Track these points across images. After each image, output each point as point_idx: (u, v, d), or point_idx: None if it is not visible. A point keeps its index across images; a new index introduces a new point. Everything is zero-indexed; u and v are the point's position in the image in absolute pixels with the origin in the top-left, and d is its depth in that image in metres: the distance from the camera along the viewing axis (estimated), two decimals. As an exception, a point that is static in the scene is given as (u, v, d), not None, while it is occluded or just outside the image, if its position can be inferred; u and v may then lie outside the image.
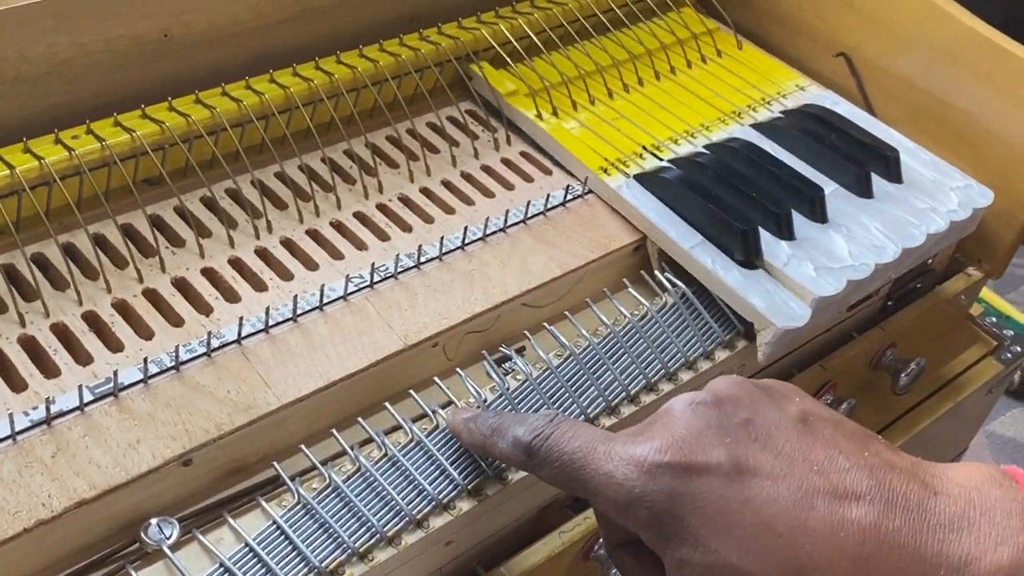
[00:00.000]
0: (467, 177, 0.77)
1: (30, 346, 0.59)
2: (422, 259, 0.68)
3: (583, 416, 0.63)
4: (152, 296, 0.63)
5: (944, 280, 0.88)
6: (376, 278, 0.66)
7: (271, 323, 0.62)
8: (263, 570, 0.53)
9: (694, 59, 0.91)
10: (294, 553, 0.53)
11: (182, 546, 0.54)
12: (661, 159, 0.79)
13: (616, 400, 0.64)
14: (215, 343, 0.60)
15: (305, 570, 0.53)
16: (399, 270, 0.67)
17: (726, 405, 0.48)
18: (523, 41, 0.84)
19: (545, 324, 0.67)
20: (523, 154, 0.80)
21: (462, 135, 0.80)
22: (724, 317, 0.70)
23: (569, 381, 0.64)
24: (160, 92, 0.70)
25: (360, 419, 0.60)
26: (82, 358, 0.59)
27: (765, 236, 0.72)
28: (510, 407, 0.61)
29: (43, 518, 0.51)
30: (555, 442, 0.49)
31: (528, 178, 0.78)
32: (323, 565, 0.53)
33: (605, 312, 0.68)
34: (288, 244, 0.68)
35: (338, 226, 0.70)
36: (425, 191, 0.74)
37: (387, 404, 0.60)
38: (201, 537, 0.54)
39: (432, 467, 0.58)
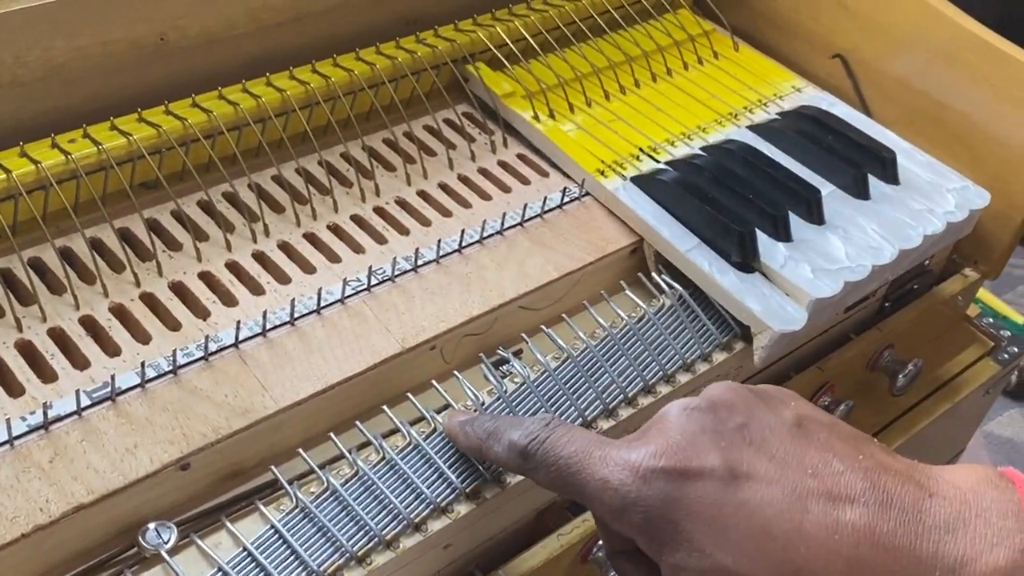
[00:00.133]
0: (464, 180, 0.77)
1: (27, 351, 0.59)
2: (419, 262, 0.68)
3: (581, 419, 0.63)
4: (149, 300, 0.63)
5: (941, 281, 0.88)
6: (373, 281, 0.66)
7: (268, 327, 0.62)
8: (261, 575, 0.52)
9: (690, 61, 0.91)
10: (292, 557, 0.53)
11: (180, 551, 0.54)
12: (658, 161, 0.79)
13: (614, 403, 0.64)
14: (212, 347, 0.60)
15: (303, 574, 0.53)
16: (396, 273, 0.67)
17: (721, 410, 0.48)
18: (520, 44, 0.84)
19: (542, 327, 0.67)
20: (520, 157, 0.80)
21: (459, 138, 0.80)
22: (721, 319, 0.70)
23: (567, 384, 0.64)
24: (157, 96, 0.70)
25: (358, 422, 0.60)
26: (79, 363, 0.59)
27: (762, 238, 0.72)
28: (508, 410, 0.61)
29: (41, 523, 0.51)
30: (551, 446, 0.49)
31: (525, 181, 0.78)
32: (321, 569, 0.53)
33: (602, 314, 0.68)
34: (285, 247, 0.68)
35: (335, 229, 0.70)
36: (422, 194, 0.74)
37: (385, 407, 0.60)
38: (199, 542, 0.54)
39: (430, 470, 0.58)
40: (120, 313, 0.62)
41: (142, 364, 0.58)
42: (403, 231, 0.71)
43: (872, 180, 0.80)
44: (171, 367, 0.58)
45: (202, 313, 0.63)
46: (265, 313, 0.62)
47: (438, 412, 0.61)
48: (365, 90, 0.76)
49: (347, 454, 0.58)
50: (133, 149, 0.67)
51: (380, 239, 0.70)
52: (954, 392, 0.88)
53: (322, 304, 0.64)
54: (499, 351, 0.66)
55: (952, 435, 0.99)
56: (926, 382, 0.86)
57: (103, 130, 0.67)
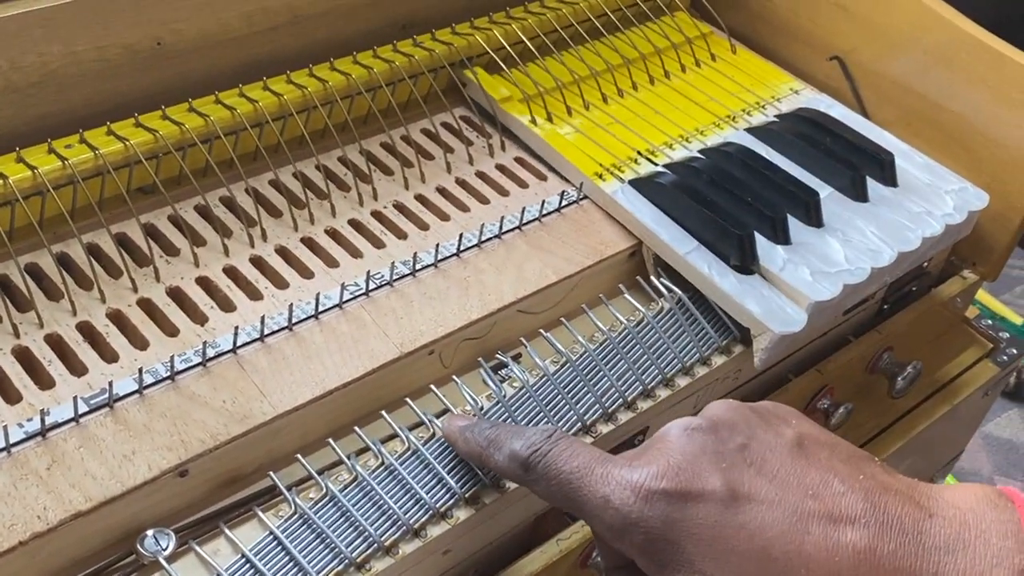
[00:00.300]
0: (462, 183, 0.76)
1: (24, 357, 0.59)
2: (417, 266, 0.68)
3: (580, 423, 0.63)
4: (147, 306, 0.63)
5: (940, 283, 0.88)
6: (371, 286, 0.66)
7: (266, 332, 0.62)
8: (260, 581, 0.52)
9: (688, 63, 0.91)
10: (291, 564, 0.53)
11: (178, 557, 0.54)
12: (656, 164, 0.79)
13: (613, 407, 0.64)
14: (210, 353, 0.60)
15: (302, 581, 0.53)
16: (394, 278, 0.67)
17: (721, 430, 0.48)
18: (517, 46, 0.84)
19: (541, 331, 0.67)
20: (518, 160, 0.80)
21: (457, 141, 0.80)
22: (720, 322, 0.70)
23: (566, 388, 0.64)
24: (153, 100, 0.70)
25: (356, 428, 0.59)
26: (77, 369, 0.58)
27: (761, 241, 0.72)
28: (507, 414, 0.61)
29: (38, 531, 0.51)
30: (553, 460, 0.49)
31: (523, 184, 0.77)
32: (320, 576, 0.53)
33: (601, 318, 0.68)
34: (283, 252, 0.68)
35: (333, 234, 0.70)
36: (420, 198, 0.74)
37: (383, 413, 0.60)
38: (197, 548, 0.54)
39: (429, 476, 0.58)
40: (118, 319, 0.62)
41: (140, 370, 0.57)
42: (401, 235, 0.71)
43: (870, 182, 0.80)
44: (169, 373, 0.58)
45: (200, 319, 0.62)
46: (263, 319, 0.62)
47: (437, 417, 0.60)
48: (362, 94, 0.76)
49: (346, 460, 0.57)
50: (130, 154, 0.67)
51: (378, 243, 0.70)
52: (953, 394, 0.88)
53: (320, 309, 0.64)
54: (498, 355, 0.66)
55: (951, 437, 0.98)
56: (925, 384, 0.86)
57: (100, 135, 0.67)
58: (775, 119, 0.86)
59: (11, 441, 0.53)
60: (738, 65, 0.92)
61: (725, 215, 0.72)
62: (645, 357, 0.67)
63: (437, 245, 0.69)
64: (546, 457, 0.50)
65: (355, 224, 0.71)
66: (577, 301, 0.71)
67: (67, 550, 0.52)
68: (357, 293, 0.65)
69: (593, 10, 0.89)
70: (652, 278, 0.72)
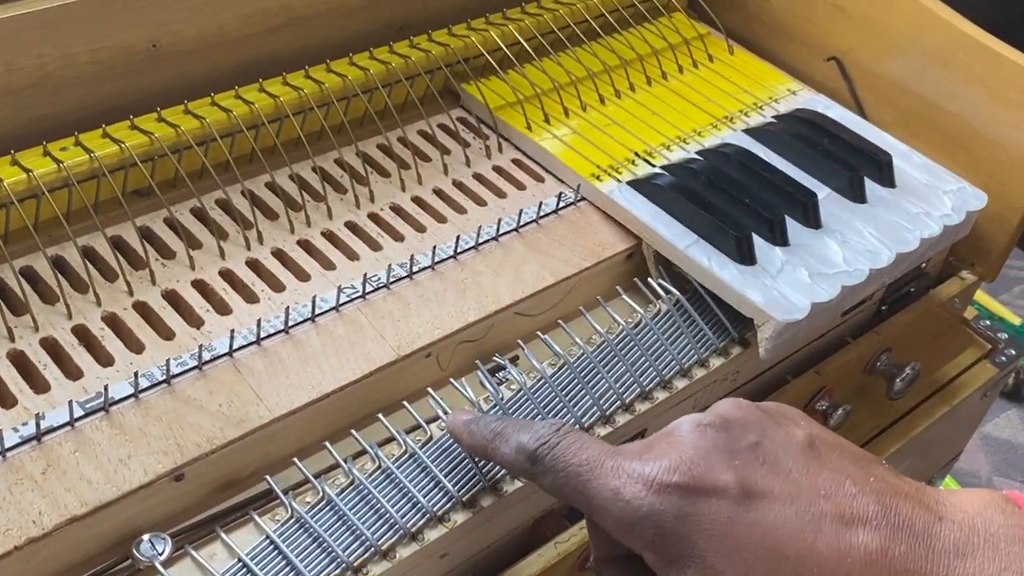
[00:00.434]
0: (459, 185, 0.76)
1: (19, 361, 0.58)
2: (414, 269, 0.68)
3: (578, 426, 0.62)
4: (142, 309, 0.62)
5: (938, 284, 0.88)
6: (368, 288, 0.66)
7: (263, 335, 0.61)
8: (257, 586, 0.52)
9: (685, 64, 0.91)
10: (288, 568, 0.53)
11: (175, 562, 0.53)
12: (654, 165, 0.78)
13: (611, 409, 0.64)
14: (206, 356, 0.59)
15: (299, 585, 0.53)
16: (391, 280, 0.67)
17: (734, 428, 0.47)
18: (514, 48, 0.84)
19: (539, 333, 0.67)
20: (515, 161, 0.79)
21: (453, 143, 0.80)
22: (719, 324, 0.70)
23: (563, 390, 0.63)
24: (149, 102, 0.70)
25: (353, 431, 0.59)
26: (72, 373, 0.58)
27: (759, 242, 0.72)
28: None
29: (34, 536, 0.50)
30: (561, 452, 0.49)
31: (520, 186, 0.77)
32: (317, 580, 0.53)
33: (599, 320, 0.68)
34: (279, 255, 0.68)
35: (329, 236, 0.70)
36: (417, 200, 0.74)
37: (380, 416, 0.60)
38: (194, 553, 0.53)
39: (426, 479, 0.57)
40: (113, 322, 0.61)
41: (135, 374, 0.57)
42: (398, 237, 0.71)
43: (868, 183, 0.80)
44: (165, 377, 0.58)
45: (196, 322, 0.62)
46: (259, 321, 0.61)
47: (434, 420, 0.60)
48: (359, 95, 0.76)
49: (343, 463, 0.57)
50: (125, 156, 0.66)
51: (375, 246, 0.70)
52: (952, 395, 0.87)
53: (317, 312, 0.63)
54: (495, 358, 0.66)
55: (950, 438, 0.98)
56: (923, 385, 0.86)
57: (95, 137, 0.67)
58: (773, 120, 0.86)
59: (6, 446, 0.53)
60: (735, 66, 0.92)
61: (723, 217, 0.72)
62: (643, 359, 0.67)
63: (434, 247, 0.69)
64: (554, 450, 0.49)
65: (352, 226, 0.71)
66: (575, 303, 0.70)
67: (62, 555, 0.52)
68: (354, 296, 0.65)
69: (590, 11, 0.89)
70: (650, 279, 0.71)
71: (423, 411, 0.61)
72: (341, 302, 0.64)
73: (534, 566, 0.61)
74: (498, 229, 0.72)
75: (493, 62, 0.82)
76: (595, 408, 0.63)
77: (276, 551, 0.53)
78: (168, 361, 0.58)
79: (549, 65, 0.85)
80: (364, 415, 0.62)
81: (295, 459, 0.57)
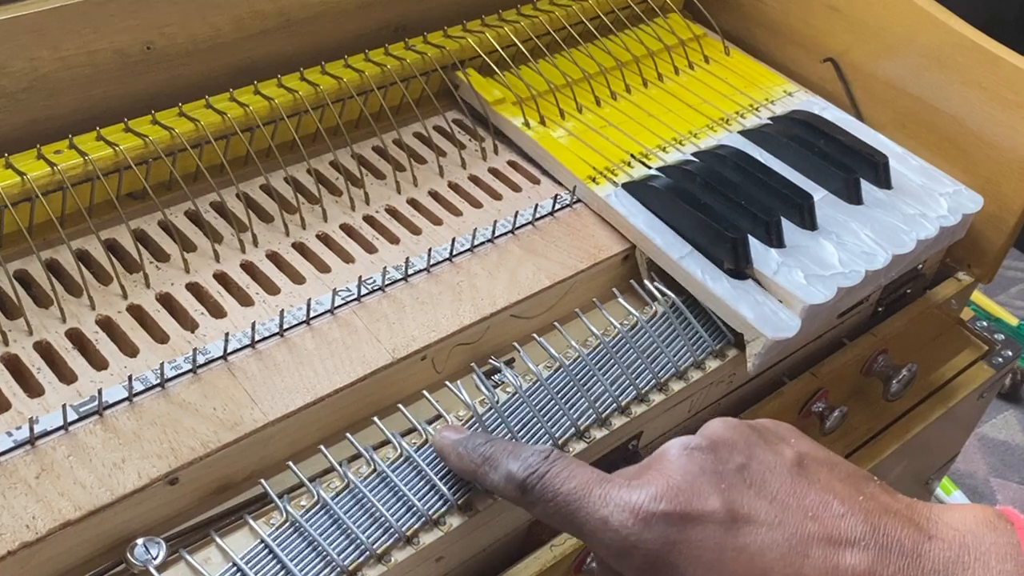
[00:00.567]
0: (454, 187, 0.76)
1: (13, 365, 0.58)
2: (410, 271, 0.67)
3: (574, 428, 0.62)
4: (136, 312, 0.62)
5: (934, 285, 0.88)
6: (363, 291, 0.65)
7: (257, 338, 0.61)
8: (251, 590, 0.52)
9: (681, 66, 0.91)
10: (282, 572, 0.53)
11: (169, 566, 0.53)
12: (650, 167, 0.78)
13: (607, 412, 0.64)
14: (201, 359, 0.59)
15: (294, 589, 0.52)
16: (386, 283, 0.66)
17: (721, 450, 0.48)
18: (510, 49, 0.84)
19: (534, 335, 0.66)
20: (511, 163, 0.79)
21: (449, 145, 0.79)
22: (714, 326, 0.70)
23: (559, 393, 0.63)
24: (143, 105, 0.70)
25: (348, 434, 0.59)
26: (66, 376, 0.58)
27: (755, 244, 0.72)
28: (500, 420, 0.61)
29: (27, 540, 0.50)
30: (550, 481, 0.49)
31: (516, 188, 0.77)
32: (312, 584, 0.52)
33: (595, 322, 0.67)
34: (274, 257, 0.68)
35: (324, 239, 0.70)
36: (412, 202, 0.74)
37: (375, 419, 0.60)
38: (188, 557, 0.53)
39: (421, 482, 0.57)
40: (107, 326, 0.61)
41: (129, 378, 0.57)
42: (393, 240, 0.70)
43: (865, 185, 0.80)
44: (159, 380, 0.58)
45: (190, 325, 0.62)
46: (254, 325, 0.61)
47: (430, 423, 0.60)
48: (354, 97, 0.76)
49: (337, 467, 0.57)
50: (119, 159, 0.66)
51: (370, 248, 0.69)
52: (948, 397, 0.87)
53: (311, 315, 0.63)
54: (491, 360, 0.65)
55: (947, 439, 0.98)
56: (920, 387, 0.86)
57: (89, 140, 0.67)
58: (769, 121, 0.86)
59: (0, 450, 0.53)
60: (731, 67, 0.92)
61: (719, 218, 0.72)
62: (639, 361, 0.66)
63: (430, 250, 0.69)
64: (543, 479, 0.49)
65: (347, 229, 0.71)
66: (570, 305, 0.70)
67: (56, 560, 0.52)
68: (349, 298, 0.65)
69: (586, 12, 0.89)
70: (646, 282, 0.71)
71: (418, 414, 0.61)
72: (336, 305, 0.64)
73: (530, 569, 0.60)
74: (494, 231, 0.72)
75: (490, 63, 0.82)
76: (591, 411, 0.63)
77: (271, 555, 0.53)
78: (162, 364, 0.58)
79: (545, 67, 0.85)
80: (359, 418, 0.61)
81: (290, 463, 0.57)
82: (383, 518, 0.55)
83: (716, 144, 0.82)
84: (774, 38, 0.96)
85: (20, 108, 0.67)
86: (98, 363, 0.59)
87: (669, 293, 0.70)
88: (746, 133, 0.84)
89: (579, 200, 0.76)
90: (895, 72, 0.89)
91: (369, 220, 0.72)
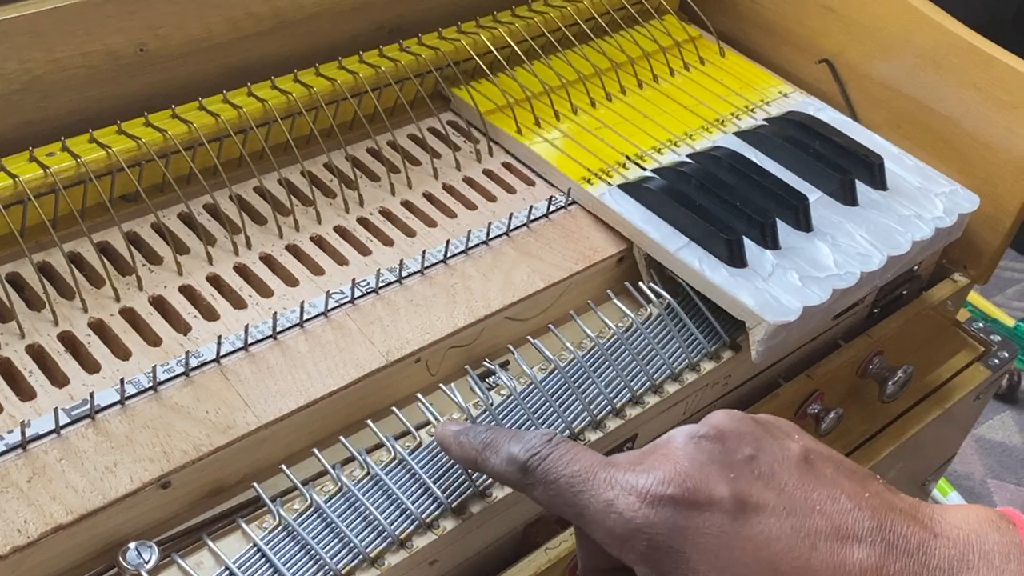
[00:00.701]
0: (449, 189, 0.76)
1: (5, 368, 0.58)
2: (404, 273, 0.67)
3: (568, 431, 0.62)
4: (129, 315, 0.62)
5: (930, 286, 0.88)
6: (357, 293, 0.65)
7: (250, 341, 0.61)
8: (244, 594, 0.52)
9: (677, 67, 0.91)
10: (275, 576, 0.53)
11: (161, 570, 0.53)
12: (644, 169, 0.78)
13: (601, 414, 0.64)
14: (193, 362, 0.59)
15: (287, 593, 0.52)
16: (380, 285, 0.66)
17: (729, 440, 0.47)
18: (505, 51, 0.84)
19: (529, 338, 0.66)
20: (506, 165, 0.79)
21: (443, 147, 0.79)
22: (710, 328, 0.70)
23: (554, 395, 0.63)
24: (136, 107, 0.69)
25: (342, 437, 0.59)
26: (58, 379, 0.58)
27: (750, 246, 0.72)
28: (494, 422, 0.61)
29: (19, 544, 0.50)
30: (553, 463, 0.48)
31: (511, 189, 0.77)
32: (305, 588, 0.52)
33: (589, 324, 0.67)
34: (268, 260, 0.67)
35: (319, 241, 0.70)
36: (407, 204, 0.74)
37: (369, 422, 0.60)
38: (180, 561, 0.53)
39: (415, 485, 0.57)
40: (100, 329, 0.61)
41: (122, 381, 0.57)
42: (387, 242, 0.70)
43: (860, 186, 0.79)
44: (151, 383, 0.58)
45: (183, 328, 0.62)
46: (247, 327, 0.61)
47: (423, 426, 0.60)
48: (348, 99, 0.76)
49: (331, 470, 0.57)
50: (112, 162, 0.66)
51: (364, 250, 0.69)
52: (944, 398, 0.87)
53: (305, 317, 0.63)
54: (485, 363, 0.65)
55: (943, 441, 0.98)
56: (916, 388, 0.86)
57: (82, 143, 0.66)
58: (764, 123, 0.86)
59: (-9, 453, 0.53)
60: (727, 68, 0.92)
61: (714, 220, 0.72)
62: (634, 363, 0.66)
63: (424, 252, 0.68)
64: (546, 461, 0.48)
65: (341, 231, 0.71)
66: (565, 307, 0.70)
67: (48, 564, 0.52)
68: (343, 301, 0.65)
69: (581, 14, 0.89)
70: (640, 284, 0.71)
71: (412, 417, 0.60)
72: (330, 307, 0.64)
73: (524, 572, 0.60)
74: (488, 233, 0.71)
75: (483, 65, 0.82)
76: (585, 413, 0.63)
77: (263, 559, 0.53)
78: (155, 368, 0.58)
79: (540, 68, 0.85)
80: (353, 421, 0.61)
81: (283, 466, 0.57)
82: (376, 521, 0.55)
83: (711, 145, 0.82)
84: (769, 39, 0.96)
85: (13, 110, 0.67)
86: (90, 366, 0.59)
87: (664, 294, 0.70)
88: (741, 134, 0.84)
89: (574, 202, 0.76)
90: (890, 73, 0.89)
91: (363, 222, 0.71)
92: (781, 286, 0.70)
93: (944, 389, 0.88)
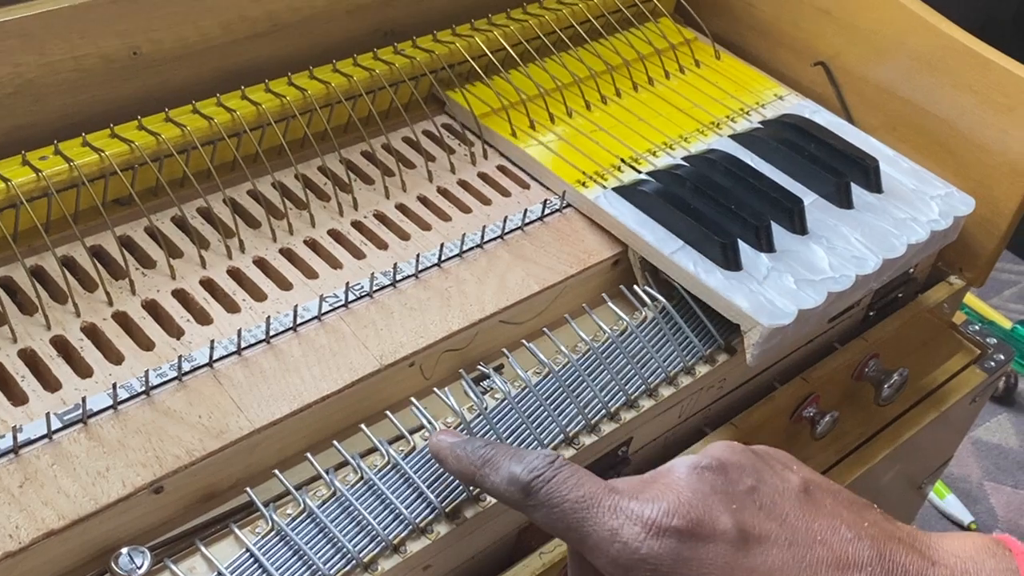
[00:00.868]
0: (443, 192, 0.76)
1: (-3, 372, 0.58)
2: (398, 277, 0.67)
3: (563, 434, 0.62)
4: (122, 319, 0.62)
5: (926, 289, 0.88)
6: (351, 297, 0.65)
7: (243, 345, 0.61)
8: (236, 600, 0.52)
9: (672, 70, 0.90)
10: (268, 581, 0.52)
11: (154, 575, 0.53)
12: (640, 171, 0.78)
13: (596, 417, 0.63)
14: (186, 367, 0.59)
15: (279, 599, 0.52)
16: (374, 289, 0.66)
17: (731, 471, 0.48)
18: (499, 54, 0.83)
19: (524, 341, 0.66)
20: (500, 168, 0.79)
21: (438, 149, 0.79)
22: (704, 331, 0.70)
23: (548, 399, 0.63)
24: (129, 111, 0.69)
25: (335, 442, 0.59)
26: (50, 384, 0.58)
27: (745, 249, 0.72)
28: (488, 427, 0.60)
29: (10, 550, 0.50)
30: (556, 487, 0.48)
31: (505, 192, 0.77)
32: (298, 593, 0.52)
33: (584, 328, 0.67)
34: (261, 264, 0.67)
35: (312, 244, 0.69)
36: (401, 207, 0.74)
37: (363, 426, 0.59)
38: (173, 566, 0.53)
39: (409, 490, 0.57)
40: (92, 333, 0.61)
41: (114, 385, 0.57)
42: (381, 245, 0.70)
43: (855, 189, 0.79)
44: (144, 388, 0.57)
45: (176, 332, 0.62)
46: (240, 331, 0.61)
47: (417, 431, 0.60)
48: (342, 102, 0.76)
49: (324, 474, 0.57)
50: (105, 165, 0.66)
51: (358, 254, 0.69)
52: (940, 401, 0.87)
53: (298, 321, 0.63)
54: (479, 366, 0.65)
55: (939, 443, 0.98)
56: (912, 391, 0.86)
57: (75, 146, 0.66)
58: (759, 125, 0.85)
59: (-18, 459, 0.53)
60: (722, 71, 0.92)
61: (709, 223, 0.72)
62: (628, 367, 0.66)
63: (418, 255, 0.68)
64: (549, 484, 0.48)
65: (335, 234, 0.70)
66: (560, 311, 0.70)
67: (40, 569, 0.52)
68: (336, 304, 0.65)
69: (576, 16, 0.89)
70: (635, 287, 0.71)
71: (406, 421, 0.60)
72: (323, 311, 0.64)
73: (519, 577, 0.60)
74: (483, 236, 0.71)
75: (478, 68, 0.82)
76: (580, 417, 0.63)
77: (256, 564, 0.53)
78: (147, 372, 0.58)
79: (535, 71, 0.85)
80: (346, 425, 0.61)
81: (276, 471, 0.57)
82: (370, 526, 0.55)
83: (706, 148, 0.82)
84: (764, 42, 0.96)
85: (5, 113, 0.66)
86: (83, 371, 0.58)
87: (659, 298, 0.70)
88: (736, 137, 0.83)
89: (569, 205, 0.76)
90: (886, 75, 0.89)
91: (357, 225, 0.71)
92: (776, 289, 0.70)
93: (940, 392, 0.88)
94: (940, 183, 0.82)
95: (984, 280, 0.89)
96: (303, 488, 0.56)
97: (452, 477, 0.58)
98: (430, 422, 0.60)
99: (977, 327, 0.93)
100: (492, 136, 0.80)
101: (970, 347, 0.92)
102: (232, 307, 0.64)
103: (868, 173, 0.81)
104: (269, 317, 0.62)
